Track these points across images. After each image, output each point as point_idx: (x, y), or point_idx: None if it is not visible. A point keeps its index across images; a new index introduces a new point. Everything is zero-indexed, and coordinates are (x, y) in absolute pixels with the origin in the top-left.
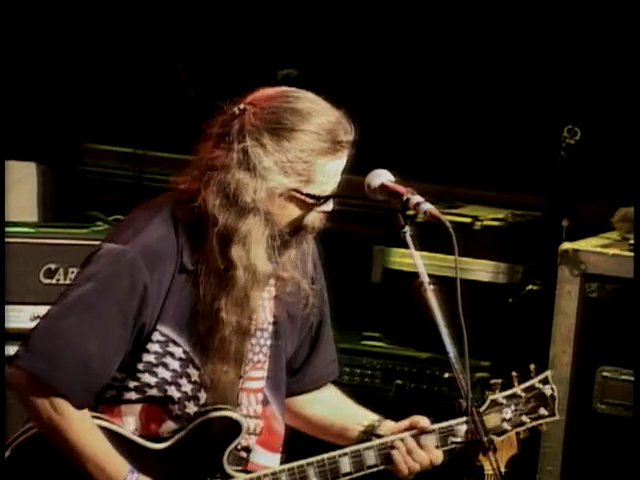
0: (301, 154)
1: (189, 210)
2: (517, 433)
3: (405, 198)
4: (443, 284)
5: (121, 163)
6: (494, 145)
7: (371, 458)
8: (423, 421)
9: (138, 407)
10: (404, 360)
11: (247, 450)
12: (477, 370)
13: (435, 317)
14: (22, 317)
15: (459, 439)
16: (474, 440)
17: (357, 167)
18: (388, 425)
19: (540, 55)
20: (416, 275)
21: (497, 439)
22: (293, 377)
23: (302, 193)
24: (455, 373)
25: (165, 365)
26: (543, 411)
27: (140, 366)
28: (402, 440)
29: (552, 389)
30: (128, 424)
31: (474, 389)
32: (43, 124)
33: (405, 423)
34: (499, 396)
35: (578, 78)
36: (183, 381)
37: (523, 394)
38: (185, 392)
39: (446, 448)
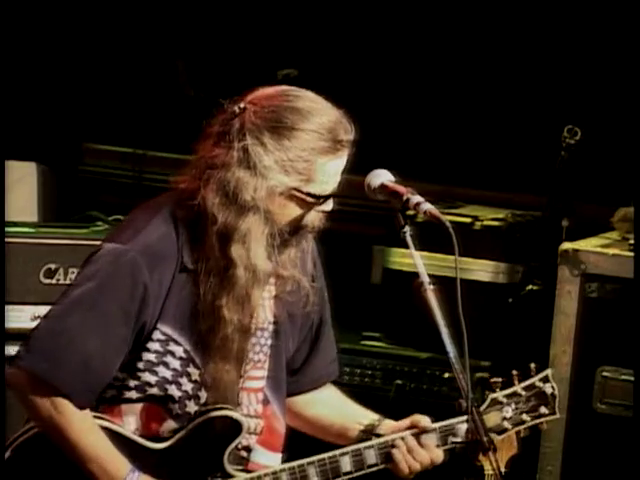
0: (301, 153)
1: (189, 209)
2: (517, 433)
3: (405, 198)
4: (443, 284)
5: (121, 163)
6: (494, 145)
7: (372, 457)
8: (424, 420)
9: (139, 406)
10: (404, 360)
11: (248, 450)
12: (477, 370)
13: (435, 317)
14: (22, 317)
15: (459, 439)
16: (474, 440)
17: (357, 167)
18: (388, 424)
19: (540, 55)
20: (416, 275)
21: (497, 438)
22: (293, 377)
23: (302, 192)
24: (455, 373)
25: (166, 364)
26: (544, 409)
27: (140, 365)
28: (403, 439)
29: (552, 387)
30: (129, 423)
31: (474, 389)
32: (43, 124)
33: (405, 422)
34: (499, 395)
35: (578, 78)
36: (184, 380)
37: (523, 393)
38: (186, 391)
39: (446, 447)
